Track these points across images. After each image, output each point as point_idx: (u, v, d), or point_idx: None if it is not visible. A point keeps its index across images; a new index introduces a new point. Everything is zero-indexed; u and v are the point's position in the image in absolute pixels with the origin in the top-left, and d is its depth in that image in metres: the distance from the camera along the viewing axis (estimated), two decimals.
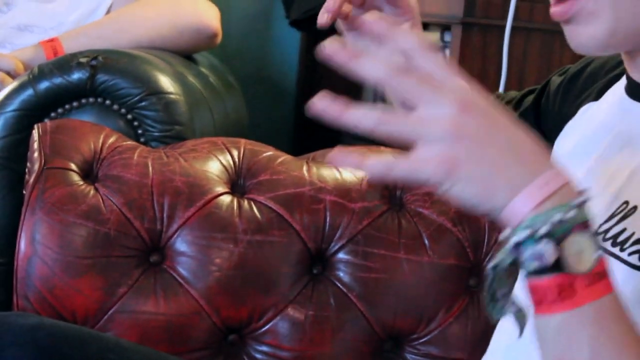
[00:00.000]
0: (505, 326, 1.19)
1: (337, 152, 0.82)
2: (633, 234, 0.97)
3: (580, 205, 0.81)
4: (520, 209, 0.82)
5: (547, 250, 0.80)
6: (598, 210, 1.02)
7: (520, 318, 0.85)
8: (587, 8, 1.00)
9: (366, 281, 1.42)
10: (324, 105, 0.82)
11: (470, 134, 0.82)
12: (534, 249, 0.81)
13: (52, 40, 1.89)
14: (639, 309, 0.89)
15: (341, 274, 1.43)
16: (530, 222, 0.81)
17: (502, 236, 0.83)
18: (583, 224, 0.81)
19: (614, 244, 0.99)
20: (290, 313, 1.41)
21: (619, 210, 1.00)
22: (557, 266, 0.80)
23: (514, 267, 0.82)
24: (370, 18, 0.82)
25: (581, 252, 0.80)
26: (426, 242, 1.42)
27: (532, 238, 0.81)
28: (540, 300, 0.82)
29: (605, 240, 1.00)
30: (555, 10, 1.03)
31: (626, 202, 1.00)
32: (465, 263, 1.43)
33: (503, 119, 0.82)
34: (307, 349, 1.41)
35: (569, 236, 0.80)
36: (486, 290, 0.83)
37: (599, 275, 0.81)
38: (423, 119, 0.81)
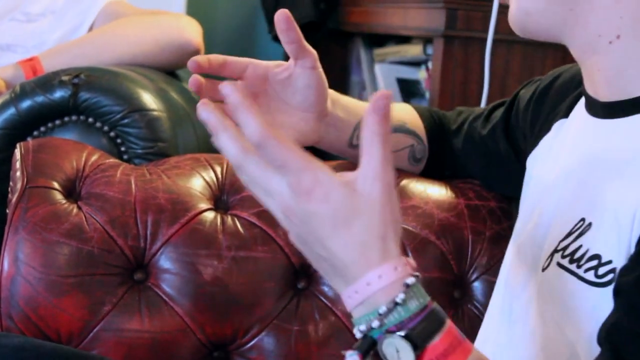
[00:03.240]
0: (486, 338, 1.20)
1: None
2: (588, 250, 0.98)
3: (391, 310, 0.86)
4: (346, 309, 0.90)
5: (354, 357, 0.87)
6: (559, 228, 1.04)
7: None
8: None
9: None
10: (208, 116, 0.87)
11: (293, 237, 0.90)
12: (351, 355, 0.88)
13: (31, 59, 1.89)
14: (597, 325, 0.90)
15: (326, 289, 1.43)
16: (353, 322, 0.89)
17: None
18: (397, 325, 0.86)
19: (571, 261, 1.00)
20: (275, 328, 1.41)
21: (576, 228, 1.01)
22: None
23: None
24: (225, 87, 0.86)
25: (397, 351, 0.86)
26: (410, 255, 1.42)
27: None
28: None
29: (563, 257, 1.01)
30: None
31: (582, 220, 1.01)
32: (449, 276, 1.44)
33: (319, 232, 0.87)
34: None
35: (384, 339, 0.87)
36: None
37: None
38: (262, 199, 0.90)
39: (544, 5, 1.04)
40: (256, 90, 1.23)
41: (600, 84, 1.04)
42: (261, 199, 0.90)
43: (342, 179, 0.87)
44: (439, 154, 1.45)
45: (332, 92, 1.30)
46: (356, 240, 0.87)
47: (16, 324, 1.35)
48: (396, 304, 0.86)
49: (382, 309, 0.86)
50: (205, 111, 0.88)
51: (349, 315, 0.90)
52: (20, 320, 1.35)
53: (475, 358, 0.88)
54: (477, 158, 1.43)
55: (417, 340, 0.86)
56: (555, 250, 1.03)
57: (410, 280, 0.87)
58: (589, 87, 1.07)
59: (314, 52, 1.22)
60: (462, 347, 0.87)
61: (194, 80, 1.18)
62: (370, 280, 0.87)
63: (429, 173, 1.48)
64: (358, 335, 0.88)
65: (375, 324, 0.87)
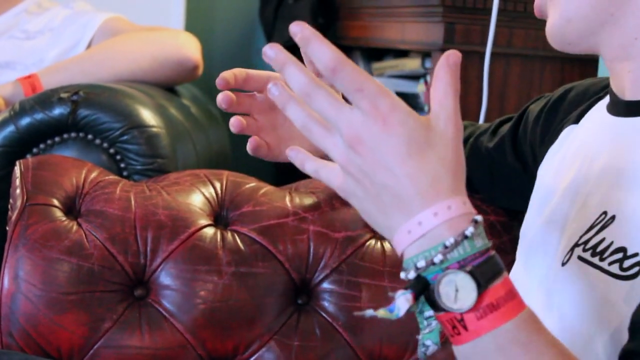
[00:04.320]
0: None
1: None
2: (612, 243, 0.98)
3: (458, 243, 0.83)
4: (398, 249, 0.86)
5: (407, 296, 0.84)
6: (579, 222, 1.04)
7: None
8: (548, 1, 1.08)
9: (351, 310, 1.42)
10: (275, 51, 0.86)
11: (352, 172, 0.87)
12: (404, 294, 0.85)
13: (30, 76, 1.89)
14: (620, 317, 0.90)
15: (326, 304, 1.43)
16: (405, 264, 0.86)
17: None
18: (460, 262, 0.83)
19: (593, 254, 1.00)
20: (276, 344, 1.41)
21: (598, 221, 1.01)
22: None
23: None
24: (293, 26, 0.85)
25: (457, 291, 0.83)
26: None
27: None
28: (445, 334, 0.86)
29: (585, 250, 1.01)
30: (534, 7, 1.11)
31: (604, 213, 1.01)
32: None
33: (390, 158, 0.84)
34: None
35: (443, 277, 0.83)
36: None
37: (492, 306, 0.83)
38: (327, 139, 0.87)
39: (586, 10, 1.05)
40: (273, 103, 1.24)
41: (628, 85, 1.05)
42: (318, 139, 0.88)
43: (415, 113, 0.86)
44: None
45: None
46: (428, 169, 0.84)
47: (17, 341, 1.35)
48: (465, 237, 0.83)
49: (450, 241, 0.83)
50: (272, 48, 0.86)
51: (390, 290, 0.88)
52: (20, 338, 1.34)
53: (529, 312, 0.85)
54: (483, 171, 1.43)
55: (481, 279, 0.83)
56: (576, 245, 1.03)
57: (479, 217, 0.85)
58: (617, 89, 1.08)
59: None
60: (519, 298, 0.85)
61: (225, 98, 1.20)
62: (438, 210, 0.84)
63: None
64: (410, 276, 0.85)
65: (438, 258, 0.83)
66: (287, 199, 1.48)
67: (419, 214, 0.84)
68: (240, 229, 1.43)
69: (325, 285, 1.42)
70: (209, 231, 1.42)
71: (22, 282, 1.35)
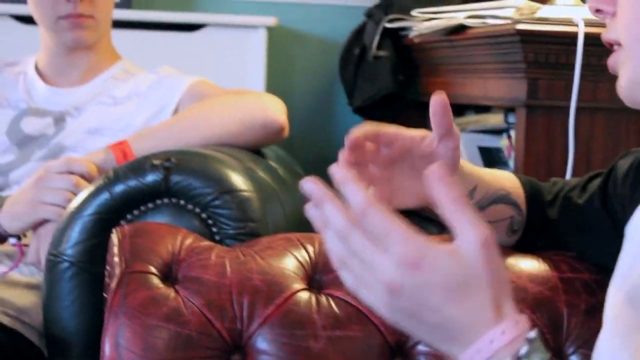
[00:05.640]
0: None
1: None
2: None
3: None
4: None
5: None
6: None
7: None
8: (619, 59, 1.11)
9: None
10: (312, 187, 0.90)
11: (397, 316, 0.90)
12: None
13: (121, 143, 1.92)
14: None
15: None
16: None
17: None
18: None
19: None
20: None
21: None
22: None
23: None
24: (333, 168, 0.91)
25: None
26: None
27: None
28: None
29: None
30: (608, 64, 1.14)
31: None
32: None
33: (432, 301, 0.88)
34: None
35: None
36: None
37: None
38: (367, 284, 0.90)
39: None
40: (395, 157, 1.27)
41: None
42: (355, 287, 0.91)
43: (444, 247, 0.88)
44: (535, 225, 1.45)
45: None
46: (472, 303, 0.88)
47: None
48: (519, 358, 0.87)
49: None
50: (310, 183, 0.90)
51: None
52: None
53: None
54: (573, 228, 1.42)
55: None
56: None
57: (532, 334, 0.88)
58: None
59: (458, 133, 1.26)
60: None
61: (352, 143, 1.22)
62: (494, 337, 0.87)
63: (522, 244, 1.47)
64: None
65: None
66: None
67: (476, 343, 0.88)
68: (334, 292, 1.44)
69: (421, 347, 1.42)
70: (304, 295, 1.43)
71: (123, 349, 1.36)
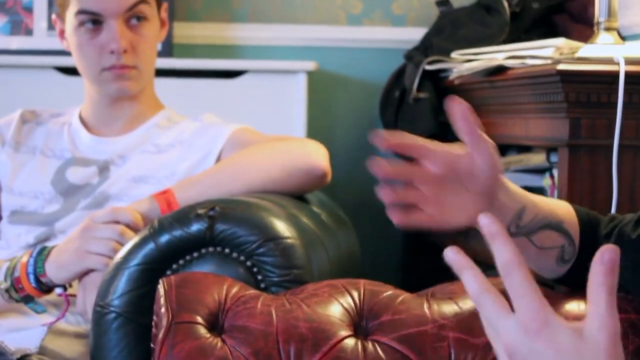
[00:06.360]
0: None
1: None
2: None
3: None
4: None
5: None
6: None
7: None
8: None
9: None
10: (454, 257, 0.94)
11: None
12: None
13: (164, 192, 1.93)
14: None
15: None
16: None
17: None
18: None
19: None
20: None
21: None
22: None
23: None
24: (483, 218, 0.94)
25: None
26: None
27: None
28: None
29: None
30: None
31: None
32: None
33: None
34: None
35: None
36: None
37: None
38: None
39: None
40: (444, 176, 1.30)
41: None
42: (490, 336, 0.95)
43: (570, 324, 0.91)
44: (587, 258, 1.44)
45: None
46: None
47: None
48: None
49: None
50: (452, 253, 0.94)
51: None
52: None
53: None
54: (625, 262, 1.41)
55: None
56: None
57: None
58: None
59: (490, 140, 1.27)
60: None
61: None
62: None
63: (573, 277, 1.46)
64: None
65: None
66: (425, 305, 1.48)
67: None
68: (380, 338, 1.44)
69: None
70: (350, 342, 1.43)
71: None
